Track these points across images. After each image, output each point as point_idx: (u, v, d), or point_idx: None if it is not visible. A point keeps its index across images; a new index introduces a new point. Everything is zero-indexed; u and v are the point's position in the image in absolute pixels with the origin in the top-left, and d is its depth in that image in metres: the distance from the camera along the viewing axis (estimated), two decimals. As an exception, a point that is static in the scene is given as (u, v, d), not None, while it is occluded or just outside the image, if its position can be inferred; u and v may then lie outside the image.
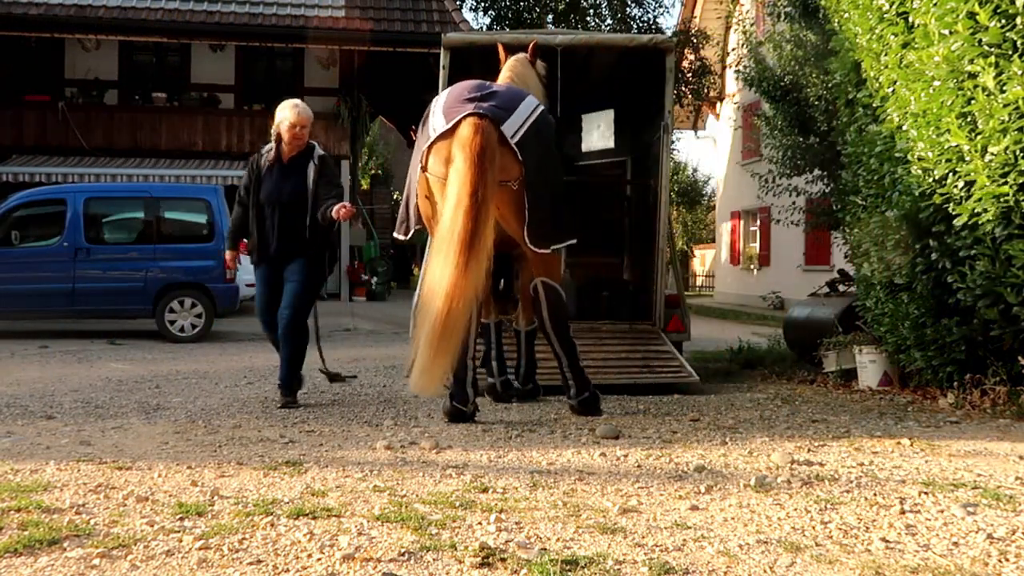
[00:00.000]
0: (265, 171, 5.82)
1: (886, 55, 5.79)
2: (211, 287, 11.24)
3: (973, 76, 4.84)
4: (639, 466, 3.91)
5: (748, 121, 19.94)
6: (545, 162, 4.90)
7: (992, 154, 4.77)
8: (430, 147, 4.77)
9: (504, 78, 5.68)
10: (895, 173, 5.71)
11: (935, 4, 5.06)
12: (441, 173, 4.67)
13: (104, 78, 18.40)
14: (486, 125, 4.60)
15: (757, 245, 23.76)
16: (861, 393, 6.22)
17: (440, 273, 4.36)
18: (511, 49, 6.27)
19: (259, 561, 2.61)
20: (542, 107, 4.99)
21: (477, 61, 7.66)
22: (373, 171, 31.24)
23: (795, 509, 3.20)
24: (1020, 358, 5.16)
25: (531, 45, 6.07)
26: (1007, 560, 2.65)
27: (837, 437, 4.55)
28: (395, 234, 5.35)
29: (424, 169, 4.82)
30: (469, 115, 4.62)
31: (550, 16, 21.40)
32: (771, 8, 11.99)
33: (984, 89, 4.74)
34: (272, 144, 5.86)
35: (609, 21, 21.87)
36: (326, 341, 11.15)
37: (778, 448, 4.27)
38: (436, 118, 4.80)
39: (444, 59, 7.04)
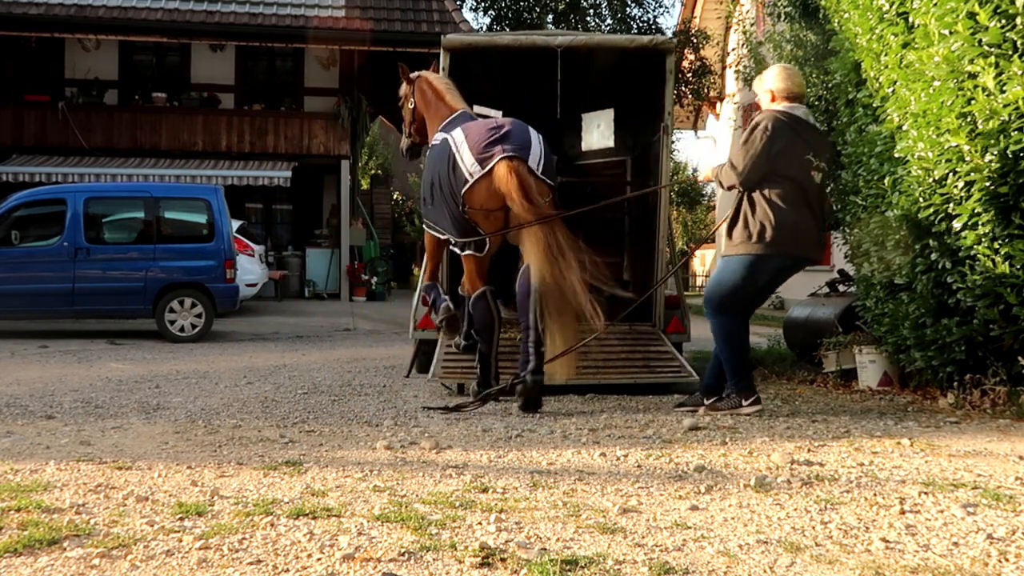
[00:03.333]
0: None
1: (886, 55, 5.79)
2: (211, 287, 11.23)
3: (973, 76, 4.83)
4: (639, 466, 3.91)
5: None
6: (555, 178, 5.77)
7: (992, 154, 4.77)
8: (471, 188, 5.49)
9: (457, 101, 6.38)
10: (895, 173, 5.71)
11: (935, 4, 5.05)
12: (487, 205, 5.49)
13: (104, 78, 18.41)
14: (517, 164, 5.42)
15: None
16: (861, 393, 6.22)
17: (545, 271, 5.27)
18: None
19: (259, 561, 2.61)
20: (539, 134, 5.73)
21: (477, 63, 7.66)
22: (373, 171, 31.24)
23: (795, 509, 3.20)
24: (1020, 358, 5.16)
25: (402, 67, 6.80)
26: (1007, 560, 2.65)
27: (837, 437, 4.55)
28: (455, 244, 5.92)
29: (471, 206, 5.54)
30: (502, 159, 5.40)
31: (550, 16, 21.40)
32: (771, 8, 11.98)
33: (984, 89, 4.74)
34: None
35: (609, 21, 21.87)
36: (326, 341, 11.20)
37: (778, 448, 4.27)
38: (467, 161, 5.49)
39: (444, 61, 7.04)
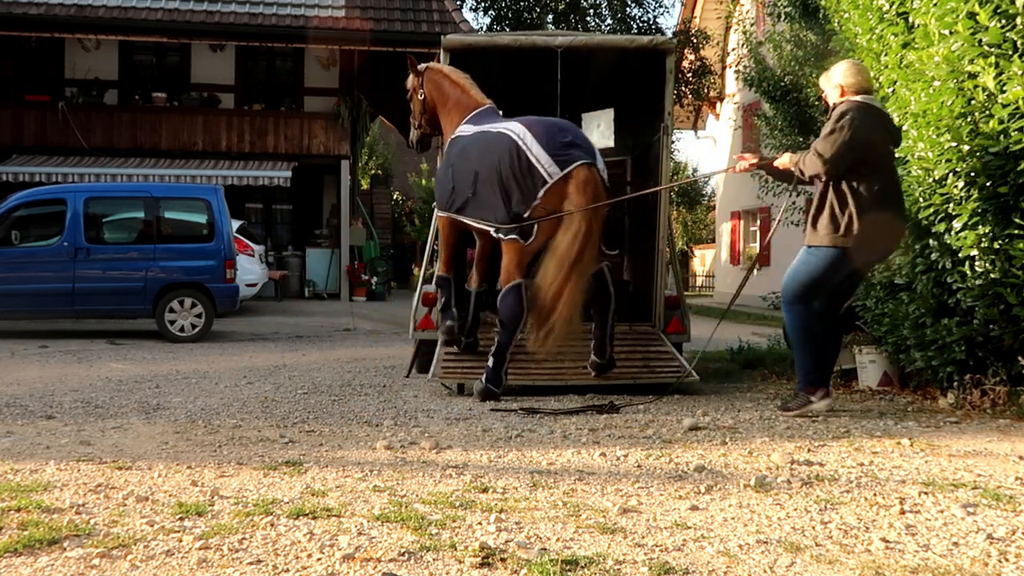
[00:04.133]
0: None
1: (886, 55, 5.79)
2: (211, 287, 11.23)
3: (973, 76, 4.84)
4: (639, 466, 3.91)
5: (748, 121, 19.94)
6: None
7: (992, 154, 4.78)
8: (549, 190, 5.69)
9: (481, 95, 6.61)
10: (895, 173, 5.72)
11: (935, 4, 5.06)
12: (558, 207, 5.68)
13: (104, 78, 18.41)
14: (596, 175, 5.74)
15: (757, 245, 23.75)
16: (861, 393, 6.22)
17: (555, 283, 5.51)
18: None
19: (259, 561, 2.61)
20: None
21: (477, 63, 7.66)
22: (373, 171, 31.25)
23: (795, 509, 3.20)
24: (1020, 358, 5.16)
25: (410, 59, 6.95)
26: (1007, 560, 2.65)
27: (837, 437, 4.55)
28: (497, 235, 5.96)
29: (543, 206, 5.72)
30: (581, 164, 5.69)
31: (550, 16, 21.40)
32: (771, 8, 11.99)
33: (984, 89, 4.74)
34: None
35: (609, 21, 21.87)
36: (326, 341, 11.20)
37: (778, 448, 4.27)
38: (544, 161, 5.68)
39: (444, 61, 7.04)
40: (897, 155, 5.61)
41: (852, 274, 5.12)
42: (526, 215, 5.78)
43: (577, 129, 6.07)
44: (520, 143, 5.77)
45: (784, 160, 5.22)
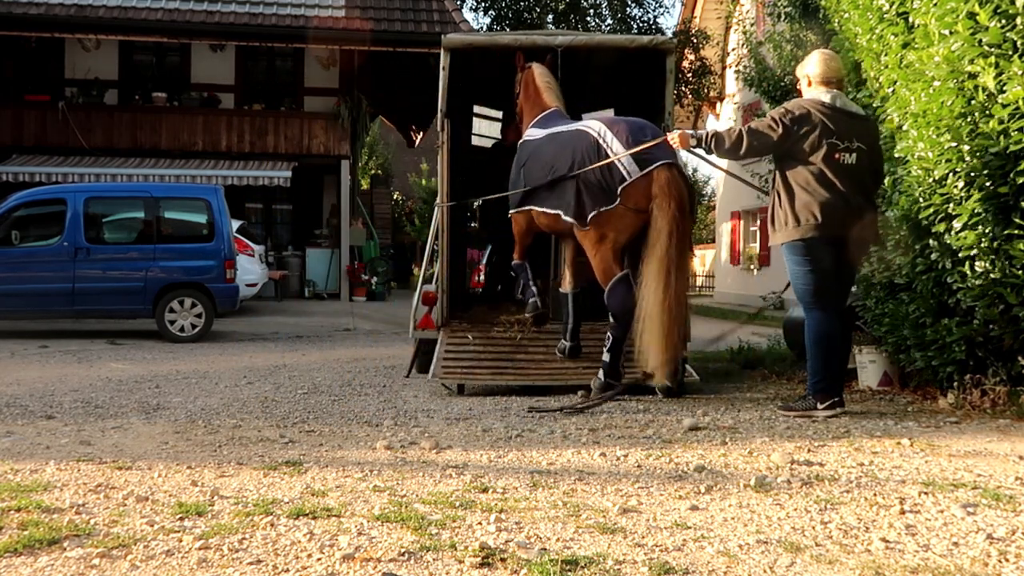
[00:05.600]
0: None
1: (886, 55, 5.79)
2: (211, 287, 11.23)
3: (973, 76, 4.83)
4: (639, 466, 3.91)
5: (748, 121, 19.93)
6: None
7: (992, 154, 4.77)
8: (628, 187, 5.71)
9: (552, 99, 6.77)
10: (895, 173, 5.71)
11: (935, 4, 5.05)
12: (640, 206, 5.72)
13: (104, 78, 18.41)
14: (678, 176, 5.75)
15: (757, 245, 23.74)
16: (861, 393, 6.22)
17: (659, 289, 5.46)
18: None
19: (259, 561, 2.61)
20: None
21: (477, 62, 7.66)
22: (373, 171, 31.24)
23: (795, 509, 3.20)
24: (1020, 358, 5.16)
25: (519, 56, 7.07)
26: (1007, 560, 2.65)
27: (837, 437, 4.55)
28: (566, 217, 6.04)
29: (624, 203, 5.75)
30: (663, 164, 5.69)
31: (550, 16, 21.40)
32: (771, 8, 11.98)
33: (984, 89, 4.74)
34: None
35: (609, 21, 21.86)
36: (326, 341, 11.20)
37: (778, 448, 4.27)
38: (624, 159, 5.70)
39: (444, 60, 7.05)
40: (897, 155, 5.61)
41: (833, 261, 5.15)
42: (612, 207, 5.80)
43: (658, 129, 6.06)
44: (600, 140, 5.83)
45: (685, 134, 5.55)
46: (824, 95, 5.16)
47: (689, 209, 5.77)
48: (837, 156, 5.05)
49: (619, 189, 5.72)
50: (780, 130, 5.07)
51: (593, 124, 6.03)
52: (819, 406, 5.14)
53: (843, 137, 5.07)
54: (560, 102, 6.76)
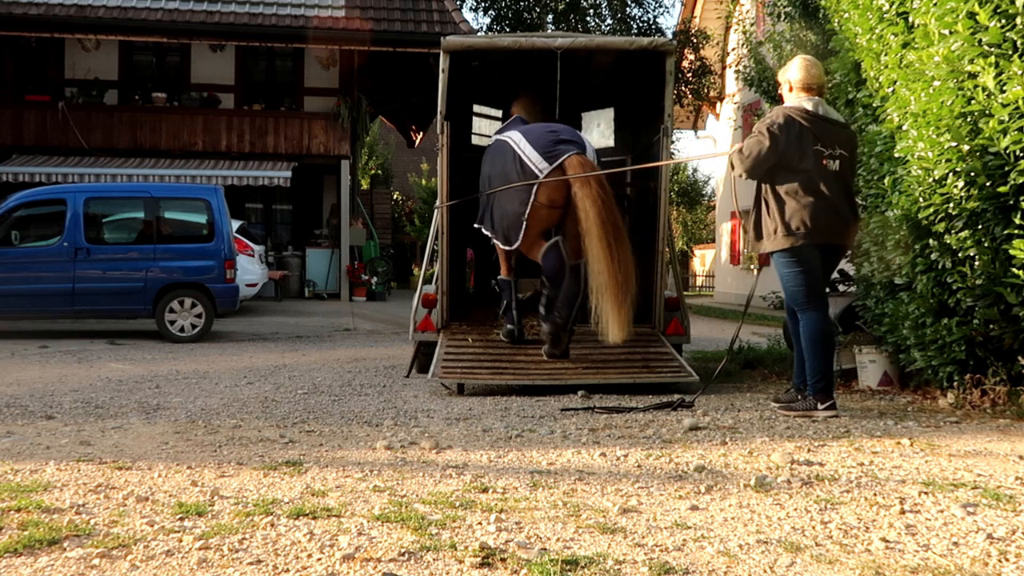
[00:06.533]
0: None
1: (886, 55, 5.79)
2: (211, 287, 11.23)
3: (973, 76, 4.83)
4: (639, 466, 3.91)
5: (748, 121, 19.95)
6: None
7: (992, 154, 4.77)
8: (541, 183, 6.19)
9: (520, 107, 7.23)
10: (895, 173, 5.71)
11: (935, 4, 5.05)
12: (554, 200, 6.19)
13: (104, 78, 18.42)
14: (586, 159, 6.23)
15: (757, 245, 23.71)
16: (861, 393, 6.22)
17: (604, 258, 5.92)
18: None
19: (259, 561, 2.61)
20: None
21: (477, 64, 7.66)
22: (373, 171, 31.25)
23: (795, 509, 3.20)
24: (1020, 358, 5.16)
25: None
26: (1007, 560, 2.65)
27: (837, 437, 4.55)
28: (500, 243, 6.63)
29: (539, 200, 6.22)
30: (571, 154, 6.17)
31: (550, 16, 21.39)
32: (771, 8, 11.98)
33: (984, 89, 4.74)
34: None
35: (609, 21, 21.85)
36: (326, 341, 11.20)
37: (778, 448, 4.27)
38: (534, 157, 6.20)
39: (444, 63, 7.05)
40: (897, 155, 5.61)
41: (820, 266, 5.25)
42: (526, 215, 6.23)
43: (570, 129, 6.47)
44: (516, 148, 6.31)
45: (733, 149, 5.44)
46: (806, 102, 5.18)
47: (609, 189, 6.19)
48: (824, 163, 5.08)
49: (535, 190, 6.17)
50: (769, 140, 5.06)
51: (511, 133, 6.52)
52: (819, 406, 5.15)
53: (827, 144, 5.11)
54: (528, 109, 7.13)
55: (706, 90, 22.52)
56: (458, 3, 19.20)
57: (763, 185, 5.21)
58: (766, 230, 5.19)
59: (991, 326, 5.13)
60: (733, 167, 5.34)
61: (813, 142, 5.07)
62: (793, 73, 5.25)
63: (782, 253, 5.16)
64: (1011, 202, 4.75)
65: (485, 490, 3.44)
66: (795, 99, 5.23)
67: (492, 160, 6.62)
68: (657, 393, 6.18)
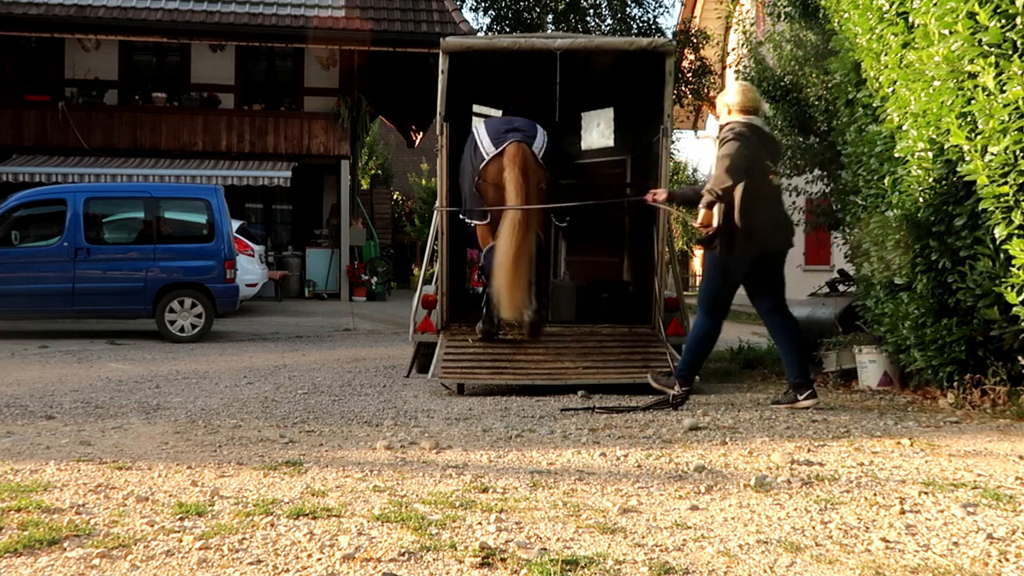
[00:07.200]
0: None
1: (886, 55, 5.78)
2: (211, 287, 11.22)
3: (973, 76, 4.83)
4: (639, 466, 3.91)
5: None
6: (557, 167, 7.09)
7: (992, 154, 4.77)
8: (487, 164, 6.72)
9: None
10: (895, 173, 5.71)
11: (935, 4, 5.05)
12: (497, 180, 6.68)
13: (104, 78, 18.40)
14: (525, 147, 6.68)
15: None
16: (861, 393, 6.22)
17: (509, 240, 6.41)
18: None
19: (259, 561, 2.62)
20: (547, 133, 7.00)
21: (476, 64, 7.66)
22: (373, 171, 31.23)
23: (795, 509, 3.20)
24: (1020, 358, 5.16)
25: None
26: (1007, 560, 2.65)
27: (837, 437, 4.55)
28: (468, 219, 7.11)
29: (484, 179, 6.76)
30: (512, 141, 6.67)
31: (550, 16, 21.37)
32: (771, 8, 11.96)
33: (984, 89, 4.73)
34: None
35: (609, 21, 21.81)
36: (326, 341, 11.20)
37: (778, 448, 4.27)
38: (486, 144, 6.75)
39: (443, 63, 7.05)
40: (897, 155, 5.61)
41: (769, 279, 5.68)
42: (476, 190, 6.81)
43: (529, 122, 6.92)
44: (475, 135, 6.88)
45: (660, 195, 6.09)
46: (753, 121, 5.54)
47: (535, 173, 6.65)
48: (771, 176, 5.51)
49: (480, 167, 6.71)
50: (738, 141, 5.35)
51: (476, 124, 7.25)
52: (799, 397, 5.45)
53: (773, 160, 5.63)
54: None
55: (706, 90, 22.48)
56: (458, 3, 19.17)
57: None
58: (716, 234, 5.46)
59: (991, 326, 5.13)
60: (719, 195, 5.40)
61: (764, 156, 5.48)
62: (731, 97, 5.61)
63: (720, 257, 5.51)
64: (1011, 202, 4.75)
65: (485, 490, 3.44)
66: (741, 119, 5.52)
67: (465, 149, 7.12)
68: (657, 393, 6.17)
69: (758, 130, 5.55)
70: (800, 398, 5.46)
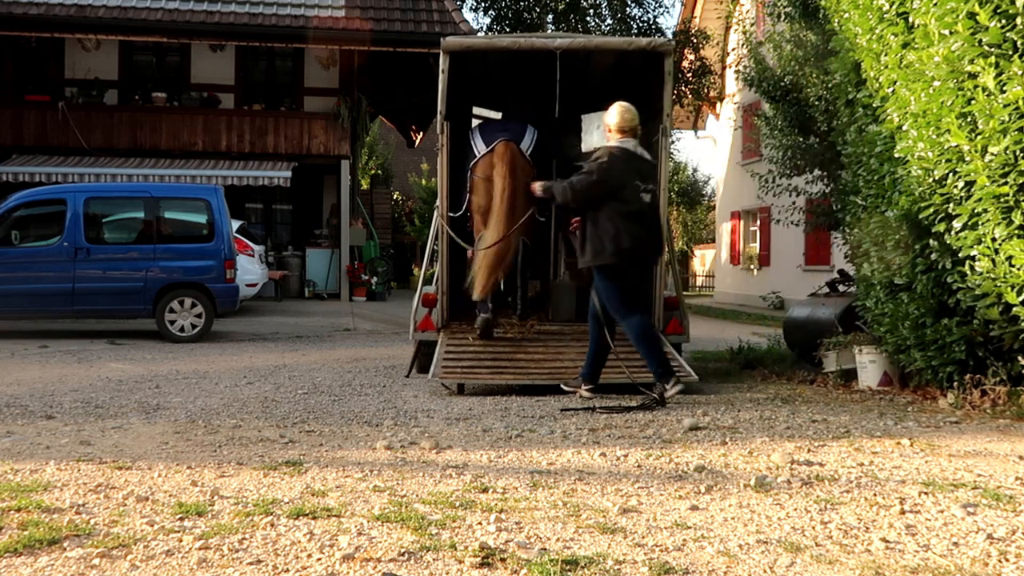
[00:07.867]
0: None
1: (886, 55, 5.79)
2: (211, 287, 11.22)
3: (973, 76, 4.83)
4: (639, 466, 3.91)
5: (748, 121, 19.93)
6: (547, 164, 7.54)
7: (992, 154, 4.77)
8: (478, 162, 7.17)
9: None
10: (895, 173, 5.71)
11: (935, 4, 5.05)
12: (487, 175, 7.12)
13: (104, 78, 18.40)
14: (512, 145, 7.12)
15: (757, 245, 23.75)
16: (861, 393, 6.22)
17: (492, 228, 6.91)
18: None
19: (259, 561, 2.62)
20: (536, 131, 7.40)
21: (476, 64, 7.67)
22: (373, 171, 31.24)
23: (795, 509, 3.20)
24: (1020, 358, 5.16)
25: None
26: (1007, 560, 2.65)
27: (837, 437, 4.55)
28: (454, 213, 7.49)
29: (475, 174, 7.19)
30: (501, 140, 7.11)
31: (550, 16, 21.38)
32: (771, 8, 11.96)
33: (984, 89, 4.74)
34: None
35: (609, 21, 21.83)
36: (326, 341, 11.20)
37: (778, 448, 4.27)
38: (479, 144, 7.22)
39: (443, 63, 7.05)
40: (897, 155, 5.61)
41: (633, 277, 6.06)
42: (468, 188, 7.23)
43: (520, 126, 7.32)
44: (472, 138, 7.30)
45: (536, 187, 6.45)
46: (624, 143, 5.97)
47: (522, 169, 7.02)
48: (641, 194, 5.88)
49: (470, 165, 7.17)
50: (597, 176, 5.85)
51: (474, 128, 7.62)
52: (667, 388, 5.69)
53: (643, 179, 5.95)
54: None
55: (706, 90, 22.50)
56: (458, 3, 19.19)
57: (590, 210, 5.91)
58: (591, 246, 5.90)
59: (991, 326, 5.13)
60: (555, 198, 6.24)
61: (633, 176, 5.87)
62: (611, 119, 6.04)
63: (603, 268, 5.89)
64: (1011, 202, 4.75)
65: (485, 490, 3.44)
66: (615, 140, 5.99)
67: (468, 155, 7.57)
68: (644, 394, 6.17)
69: (629, 153, 5.96)
70: (668, 388, 5.73)
